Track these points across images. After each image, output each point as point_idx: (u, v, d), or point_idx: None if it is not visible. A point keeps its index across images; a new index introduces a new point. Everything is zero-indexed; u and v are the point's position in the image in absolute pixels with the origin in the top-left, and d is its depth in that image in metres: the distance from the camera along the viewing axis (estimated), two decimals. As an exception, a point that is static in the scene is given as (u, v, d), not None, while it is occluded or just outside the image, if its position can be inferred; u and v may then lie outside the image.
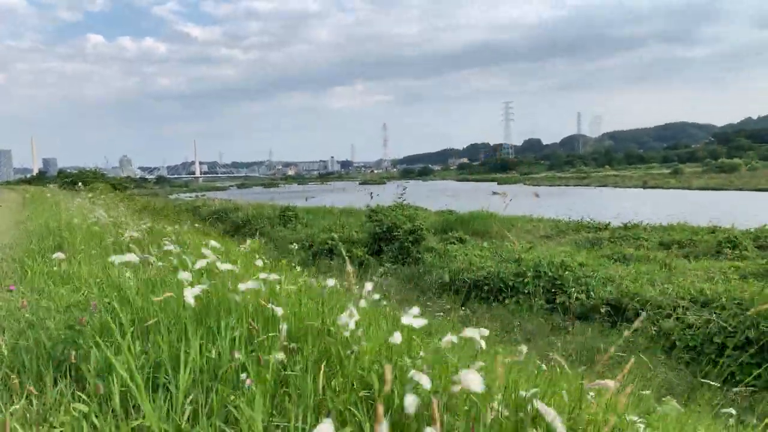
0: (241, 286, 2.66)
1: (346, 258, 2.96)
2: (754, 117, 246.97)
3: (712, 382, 3.56)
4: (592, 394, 2.28)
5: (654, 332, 9.13)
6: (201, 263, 2.85)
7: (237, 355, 2.25)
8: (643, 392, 3.28)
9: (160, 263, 3.69)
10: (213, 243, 3.35)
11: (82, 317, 2.60)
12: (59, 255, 3.83)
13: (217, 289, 3.11)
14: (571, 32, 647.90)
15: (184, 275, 2.55)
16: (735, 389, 5.91)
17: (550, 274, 12.41)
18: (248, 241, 6.19)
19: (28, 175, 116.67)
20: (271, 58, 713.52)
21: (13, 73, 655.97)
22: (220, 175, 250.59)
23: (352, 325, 2.41)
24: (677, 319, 9.31)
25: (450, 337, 2.30)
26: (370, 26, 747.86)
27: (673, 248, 17.22)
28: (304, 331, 2.71)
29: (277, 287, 3.22)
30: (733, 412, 3.23)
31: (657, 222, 22.71)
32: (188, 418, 2.06)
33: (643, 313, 3.07)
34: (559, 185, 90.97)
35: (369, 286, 2.62)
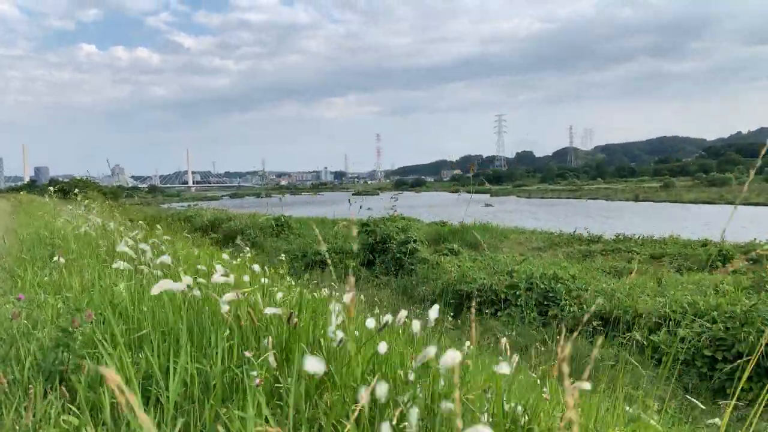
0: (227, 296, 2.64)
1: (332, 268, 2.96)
2: (744, 131, 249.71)
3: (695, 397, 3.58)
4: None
5: (644, 344, 9.16)
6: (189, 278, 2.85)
7: (255, 378, 2.23)
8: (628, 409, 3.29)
9: (158, 272, 3.68)
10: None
11: (74, 318, 2.58)
12: (58, 259, 3.83)
13: (209, 299, 3.10)
14: (562, 46, 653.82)
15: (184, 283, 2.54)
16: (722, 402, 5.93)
17: (542, 286, 12.45)
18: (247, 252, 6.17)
19: (19, 183, 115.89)
20: (264, 69, 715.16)
21: (4, 81, 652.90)
22: (212, 185, 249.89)
23: (339, 333, 2.41)
24: (669, 332, 9.34)
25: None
26: (362, 38, 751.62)
27: (665, 261, 17.34)
28: (296, 343, 2.70)
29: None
30: (719, 422, 3.25)
31: (649, 235, 22.86)
32: (179, 431, 2.04)
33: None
34: (551, 197, 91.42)
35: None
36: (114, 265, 2.74)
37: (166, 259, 3.17)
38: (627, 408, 2.91)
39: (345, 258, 18.12)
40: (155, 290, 2.18)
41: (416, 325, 2.64)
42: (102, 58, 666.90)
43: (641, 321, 9.98)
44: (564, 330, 2.31)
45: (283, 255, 8.57)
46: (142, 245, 3.41)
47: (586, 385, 1.70)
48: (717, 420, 3.23)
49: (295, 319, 2.64)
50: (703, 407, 3.60)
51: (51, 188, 19.51)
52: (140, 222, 10.34)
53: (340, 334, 2.41)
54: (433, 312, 2.73)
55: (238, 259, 6.37)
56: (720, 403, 5.99)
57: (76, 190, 16.26)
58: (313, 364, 1.56)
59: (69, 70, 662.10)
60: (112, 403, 2.05)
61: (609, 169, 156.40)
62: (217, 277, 2.75)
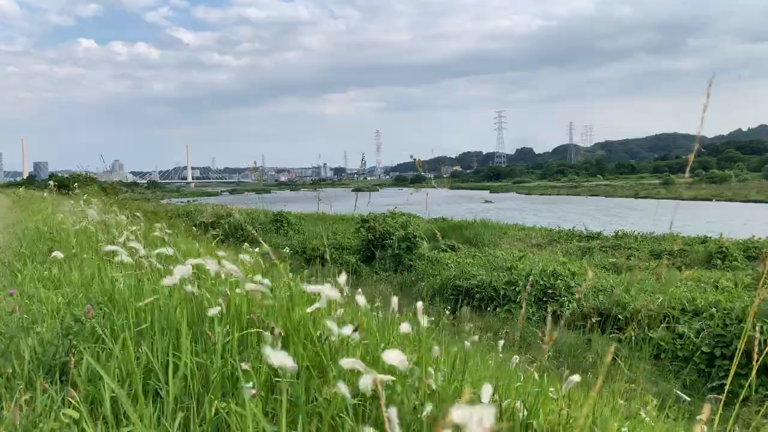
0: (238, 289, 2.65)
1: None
2: (744, 129, 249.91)
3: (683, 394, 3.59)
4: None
5: (642, 340, 9.18)
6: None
7: (245, 365, 2.24)
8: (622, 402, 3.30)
9: (158, 265, 3.68)
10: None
11: (88, 307, 2.58)
12: (57, 254, 3.83)
13: (209, 292, 3.10)
14: (561, 43, 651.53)
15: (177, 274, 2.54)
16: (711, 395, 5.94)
17: (541, 282, 12.46)
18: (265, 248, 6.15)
19: (18, 179, 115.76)
20: (264, 64, 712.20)
21: (4, 77, 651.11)
22: (212, 180, 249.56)
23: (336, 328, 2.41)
24: (668, 328, 9.36)
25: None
26: (362, 34, 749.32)
27: (664, 258, 17.35)
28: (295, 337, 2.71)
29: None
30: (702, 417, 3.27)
31: (648, 232, 22.87)
32: (179, 425, 2.05)
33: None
34: (550, 194, 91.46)
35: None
36: (106, 248, 2.75)
37: (170, 251, 3.19)
38: (622, 402, 2.93)
39: (344, 254, 18.14)
40: (167, 282, 2.20)
41: (405, 326, 2.64)
42: (101, 54, 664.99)
43: (640, 317, 10.00)
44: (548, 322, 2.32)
45: (286, 248, 8.59)
46: (167, 249, 3.40)
47: (575, 378, 1.71)
48: (702, 416, 3.25)
49: (279, 330, 2.61)
50: (687, 398, 3.62)
51: (50, 183, 19.46)
52: (138, 216, 10.33)
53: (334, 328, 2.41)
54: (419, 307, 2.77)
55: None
56: (709, 395, 5.99)
57: (75, 185, 16.22)
58: (278, 358, 1.44)
59: (68, 66, 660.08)
60: (112, 397, 2.06)
61: (609, 166, 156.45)
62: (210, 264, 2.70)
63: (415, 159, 3.32)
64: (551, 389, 2.81)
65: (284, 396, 1.81)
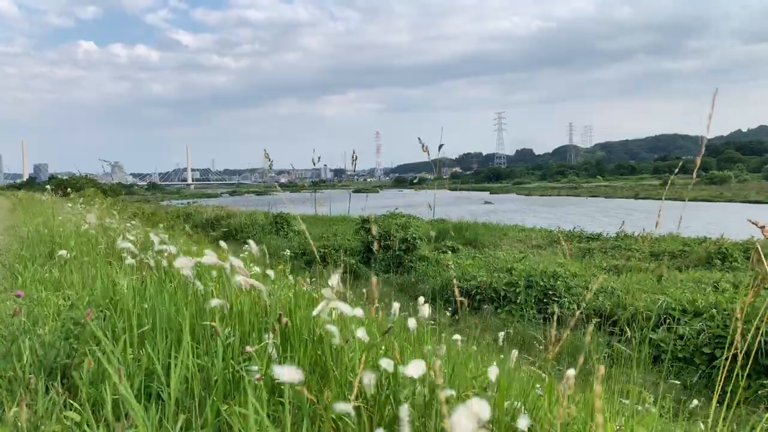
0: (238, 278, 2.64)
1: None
2: (744, 129, 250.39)
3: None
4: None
5: (642, 341, 9.16)
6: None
7: (255, 373, 2.24)
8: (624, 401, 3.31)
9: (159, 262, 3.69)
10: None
11: (89, 310, 2.58)
12: (62, 253, 3.85)
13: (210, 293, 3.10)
14: (561, 44, 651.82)
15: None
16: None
17: (542, 283, 12.46)
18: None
19: (18, 181, 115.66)
20: (264, 66, 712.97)
21: (3, 77, 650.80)
22: (212, 182, 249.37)
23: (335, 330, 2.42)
24: (668, 329, 9.36)
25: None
26: (361, 36, 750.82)
27: (665, 259, 17.36)
28: (296, 338, 2.71)
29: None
30: (696, 402, 3.30)
31: (648, 233, 22.84)
32: (181, 428, 2.05)
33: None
34: (550, 195, 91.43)
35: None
36: (121, 244, 2.77)
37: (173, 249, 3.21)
38: (623, 401, 2.93)
39: (344, 255, 18.12)
40: (177, 263, 2.23)
41: (412, 321, 2.65)
42: (101, 55, 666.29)
43: (640, 318, 9.99)
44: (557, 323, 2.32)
45: (287, 250, 8.61)
46: (152, 236, 3.44)
47: (571, 372, 1.73)
48: (695, 401, 3.28)
49: (285, 320, 2.62)
50: (680, 383, 3.64)
51: (49, 186, 19.47)
52: (136, 222, 10.35)
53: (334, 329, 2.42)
54: (425, 309, 2.85)
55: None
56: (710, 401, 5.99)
57: (69, 190, 16.24)
58: (288, 374, 1.46)
59: (68, 67, 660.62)
60: (114, 399, 2.06)
61: (609, 167, 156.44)
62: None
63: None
64: (538, 386, 2.82)
65: (287, 399, 1.81)
